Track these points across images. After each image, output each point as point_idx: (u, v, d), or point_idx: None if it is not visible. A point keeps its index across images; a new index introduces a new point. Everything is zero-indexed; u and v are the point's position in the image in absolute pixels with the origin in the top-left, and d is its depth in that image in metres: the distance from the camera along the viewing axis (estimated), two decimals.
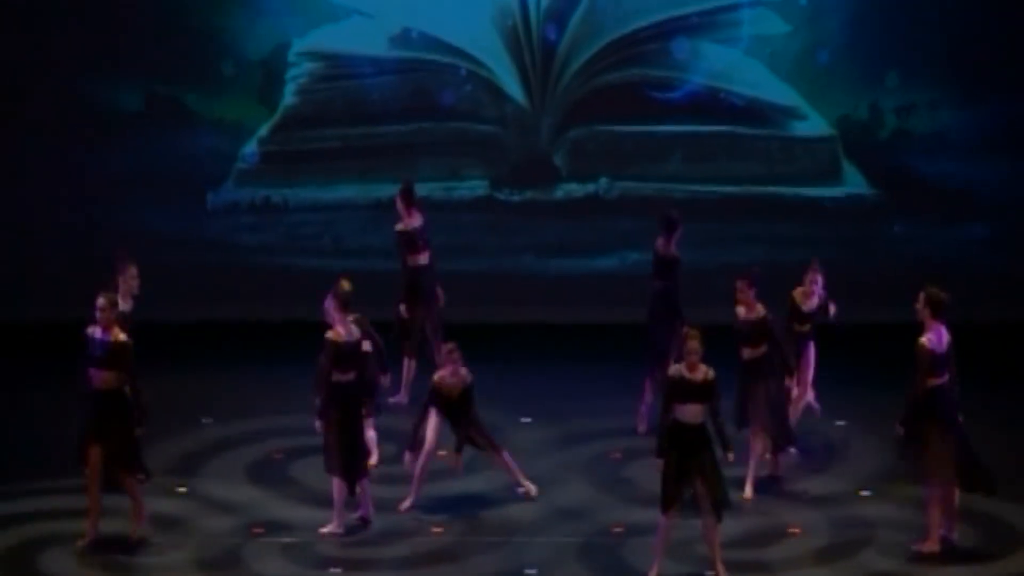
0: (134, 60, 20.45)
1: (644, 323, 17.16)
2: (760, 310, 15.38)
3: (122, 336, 14.13)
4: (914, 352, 13.79)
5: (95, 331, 14.13)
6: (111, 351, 14.08)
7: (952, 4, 20.27)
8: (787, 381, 15.54)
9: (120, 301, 14.57)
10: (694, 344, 13.39)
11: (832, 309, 16.26)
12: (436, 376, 15.03)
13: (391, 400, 17.18)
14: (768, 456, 15.63)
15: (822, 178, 20.61)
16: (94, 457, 14.09)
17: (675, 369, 13.48)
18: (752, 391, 15.40)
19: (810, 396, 16.48)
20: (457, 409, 14.96)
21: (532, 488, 15.19)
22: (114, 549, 14.08)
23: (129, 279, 15.29)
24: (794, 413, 16.27)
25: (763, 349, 15.37)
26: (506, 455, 15.18)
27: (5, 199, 20.48)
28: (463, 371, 14.97)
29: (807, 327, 16.27)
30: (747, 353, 15.41)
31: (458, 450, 15.00)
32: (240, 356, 16.89)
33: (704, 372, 13.42)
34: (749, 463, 15.27)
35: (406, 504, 14.94)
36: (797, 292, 16.23)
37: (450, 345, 15.03)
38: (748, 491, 15.24)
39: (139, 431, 14.20)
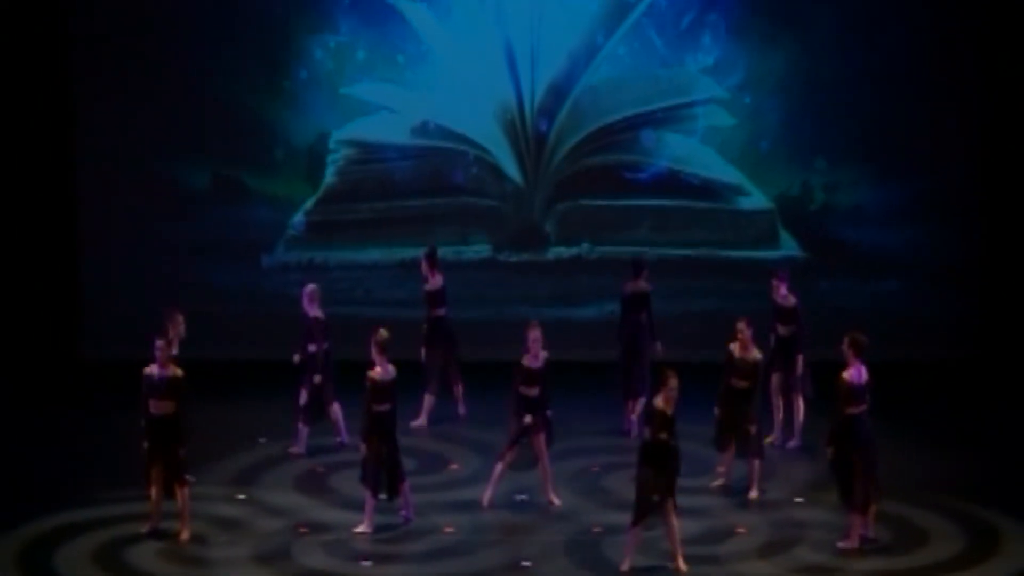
0: (203, 147, 20.50)
1: (623, 356, 17.18)
2: (756, 353, 15.29)
3: (179, 371, 14.14)
4: (836, 385, 13.86)
5: (153, 368, 14.12)
6: (169, 384, 14.05)
7: (868, 104, 20.26)
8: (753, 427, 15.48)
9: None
10: (675, 382, 13.33)
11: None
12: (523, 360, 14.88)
13: (413, 424, 17.20)
14: (723, 469, 15.66)
15: (763, 243, 20.60)
16: (155, 470, 14.15)
17: (658, 402, 13.39)
18: (733, 417, 15.33)
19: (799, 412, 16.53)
20: (539, 400, 14.87)
21: (555, 498, 15.11)
22: (185, 545, 14.07)
23: (178, 326, 15.30)
24: (798, 415, 16.41)
25: (749, 384, 15.30)
26: (546, 464, 15.08)
27: (100, 260, 20.53)
28: (543, 352, 14.90)
29: (790, 327, 16.32)
30: (739, 385, 15.34)
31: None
32: (290, 387, 16.88)
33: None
34: (752, 473, 15.30)
35: (487, 498, 14.95)
36: (775, 296, 16.41)
37: (535, 332, 14.86)
38: (754, 492, 15.27)
39: (182, 451, 14.14)
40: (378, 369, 14.36)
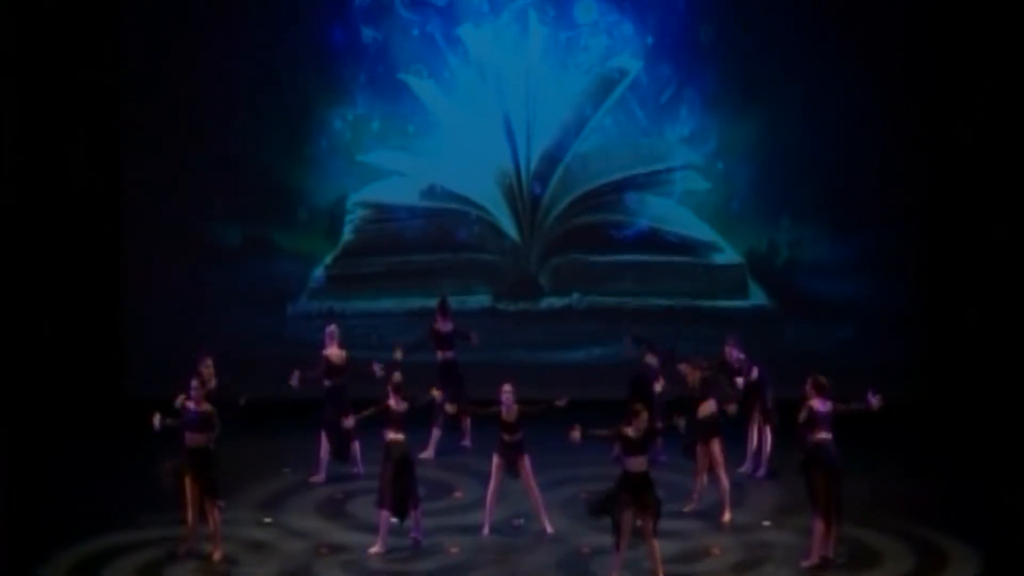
0: (235, 207, 20.56)
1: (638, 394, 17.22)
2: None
3: (210, 408, 14.20)
4: (802, 409, 13.90)
5: (189, 404, 14.21)
6: (201, 419, 14.14)
7: (828, 169, 20.35)
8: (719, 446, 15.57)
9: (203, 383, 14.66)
10: (645, 415, 13.51)
11: (755, 372, 16.52)
12: (502, 410, 14.89)
13: (421, 456, 17.19)
14: (696, 496, 15.66)
15: (734, 294, 20.65)
16: (190, 494, 14.19)
17: (628, 431, 13.45)
18: (703, 441, 15.42)
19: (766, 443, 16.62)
20: (514, 446, 14.89)
21: (548, 526, 15.06)
22: (217, 564, 14.08)
23: (209, 369, 15.37)
24: (765, 444, 16.49)
25: (710, 408, 15.44)
26: (536, 495, 15.08)
27: (143, 306, 20.52)
28: (515, 406, 14.92)
29: (748, 376, 16.50)
30: (701, 411, 15.48)
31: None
32: (312, 423, 16.92)
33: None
34: (724, 498, 15.33)
35: (486, 531, 14.91)
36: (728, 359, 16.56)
37: (507, 386, 14.90)
38: (727, 515, 15.28)
39: (212, 480, 14.18)
40: (391, 401, 14.50)
